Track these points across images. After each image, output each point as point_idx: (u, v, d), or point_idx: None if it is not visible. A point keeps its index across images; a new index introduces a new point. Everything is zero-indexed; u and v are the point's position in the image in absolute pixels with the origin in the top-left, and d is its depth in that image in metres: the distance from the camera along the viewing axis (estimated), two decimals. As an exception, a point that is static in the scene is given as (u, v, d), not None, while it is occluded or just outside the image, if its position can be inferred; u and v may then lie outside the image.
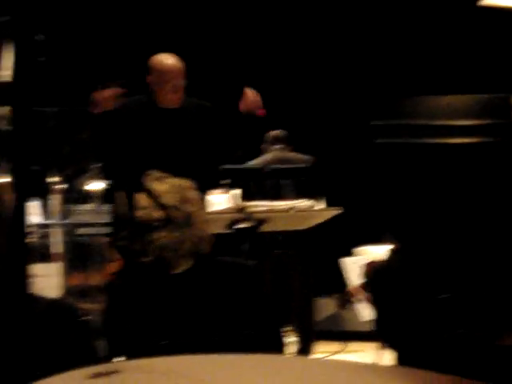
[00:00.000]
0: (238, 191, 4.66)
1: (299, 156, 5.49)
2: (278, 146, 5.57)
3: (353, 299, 4.74)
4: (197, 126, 4.11)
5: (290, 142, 5.71)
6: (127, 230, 2.62)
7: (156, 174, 2.72)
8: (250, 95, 3.94)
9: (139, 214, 2.56)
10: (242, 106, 3.96)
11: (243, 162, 4.95)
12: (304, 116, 7.68)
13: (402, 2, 7.50)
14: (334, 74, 8.07)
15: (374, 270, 3.31)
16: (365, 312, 4.85)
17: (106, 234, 2.88)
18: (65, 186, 2.83)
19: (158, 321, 2.51)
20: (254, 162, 5.37)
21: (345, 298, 4.80)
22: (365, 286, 4.05)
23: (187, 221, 2.61)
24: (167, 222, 2.59)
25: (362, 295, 4.44)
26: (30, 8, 1.59)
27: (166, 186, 2.66)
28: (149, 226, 2.57)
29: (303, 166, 4.53)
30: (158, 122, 4.09)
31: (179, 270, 2.56)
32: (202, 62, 4.36)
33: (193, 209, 2.63)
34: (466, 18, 7.18)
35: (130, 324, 2.44)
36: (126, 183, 2.37)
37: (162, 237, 2.57)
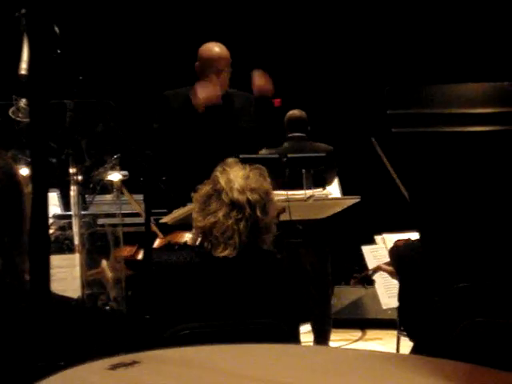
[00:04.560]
0: None
1: (319, 145, 5.47)
2: (296, 134, 5.54)
3: (374, 274, 4.69)
4: (240, 113, 4.20)
5: (308, 124, 5.63)
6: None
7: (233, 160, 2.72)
8: (258, 76, 4.04)
9: (223, 183, 2.59)
10: (255, 90, 4.06)
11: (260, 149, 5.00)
12: (320, 104, 7.68)
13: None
14: (350, 62, 8.05)
15: (398, 253, 3.31)
16: (382, 290, 4.81)
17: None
18: (83, 176, 2.85)
19: (186, 303, 2.53)
20: (273, 151, 5.37)
21: (365, 274, 4.76)
22: (390, 264, 4.02)
23: (252, 221, 2.61)
24: (234, 207, 2.59)
25: (387, 271, 4.40)
26: (46, 0, 1.59)
27: (259, 185, 2.64)
28: (221, 197, 2.59)
29: (322, 154, 4.54)
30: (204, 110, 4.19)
31: (218, 255, 2.57)
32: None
33: (262, 218, 2.62)
34: (485, 4, 7.13)
35: (161, 306, 2.47)
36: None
37: (221, 215, 2.57)
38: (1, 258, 1.75)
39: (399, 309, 2.79)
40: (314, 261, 5.56)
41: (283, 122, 5.71)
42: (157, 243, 3.43)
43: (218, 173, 2.65)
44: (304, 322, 5.86)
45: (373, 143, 3.76)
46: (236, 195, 2.59)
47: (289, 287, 2.76)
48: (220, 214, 2.58)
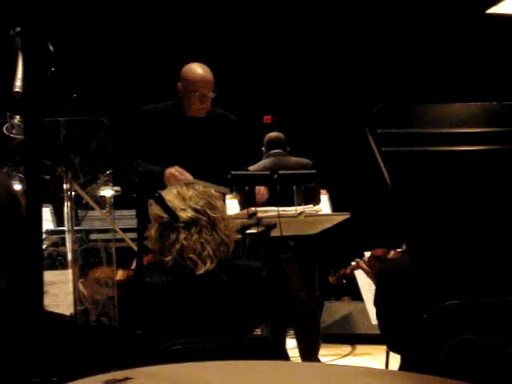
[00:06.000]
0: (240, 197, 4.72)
1: (299, 160, 5.52)
2: (275, 151, 5.61)
3: (353, 273, 4.72)
4: (219, 135, 4.20)
5: (287, 145, 5.74)
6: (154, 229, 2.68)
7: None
8: (261, 193, 4.08)
9: (164, 214, 2.61)
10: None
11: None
12: (310, 122, 7.73)
13: (411, 9, 7.53)
14: (340, 80, 8.09)
15: (381, 270, 3.33)
16: (364, 283, 4.84)
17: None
18: (77, 192, 2.86)
19: (176, 321, 2.55)
20: (254, 167, 5.41)
21: (344, 272, 4.79)
22: (369, 263, 4.06)
23: (211, 225, 2.66)
24: (190, 225, 2.64)
25: (365, 268, 4.43)
26: (41, 19, 1.62)
27: (193, 191, 2.71)
28: (171, 226, 2.63)
29: (309, 171, 4.57)
30: (183, 129, 4.19)
31: (201, 272, 2.60)
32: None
33: (217, 215, 2.69)
34: (475, 25, 7.20)
35: (148, 324, 2.48)
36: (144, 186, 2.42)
37: (183, 238, 2.62)
38: (7, 276, 1.76)
39: (380, 324, 2.80)
40: (301, 275, 5.60)
41: (262, 142, 5.83)
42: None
43: (154, 210, 2.66)
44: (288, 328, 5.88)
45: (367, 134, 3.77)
46: (183, 215, 2.65)
47: (268, 296, 2.80)
48: (182, 238, 2.63)
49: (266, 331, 4.50)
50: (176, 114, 4.23)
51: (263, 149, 5.83)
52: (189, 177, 3.98)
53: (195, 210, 2.66)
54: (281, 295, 5.36)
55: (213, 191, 2.77)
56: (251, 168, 5.50)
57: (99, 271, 2.85)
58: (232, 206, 4.68)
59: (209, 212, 2.68)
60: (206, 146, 4.24)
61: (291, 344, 5.92)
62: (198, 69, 4.20)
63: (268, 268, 3.93)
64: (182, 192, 2.71)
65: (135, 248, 3.34)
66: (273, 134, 5.83)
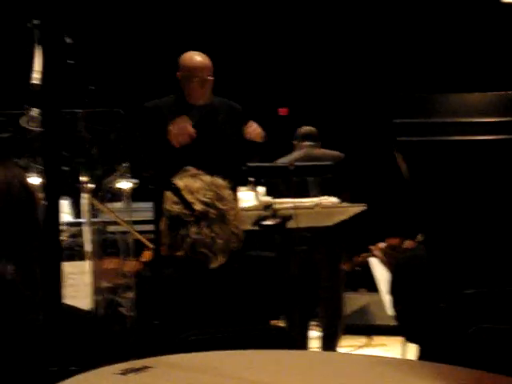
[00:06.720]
0: (263, 189, 4.70)
1: (329, 152, 5.51)
2: (307, 143, 5.60)
3: (367, 259, 4.75)
4: (225, 124, 4.20)
5: (319, 138, 5.74)
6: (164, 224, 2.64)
7: (191, 170, 2.72)
8: (252, 128, 4.10)
9: (173, 208, 2.59)
10: (246, 135, 4.11)
11: (274, 159, 5.04)
12: (328, 113, 7.71)
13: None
14: (358, 71, 8.07)
15: (397, 260, 3.33)
16: (378, 271, 4.84)
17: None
18: (94, 185, 2.88)
19: (190, 314, 2.54)
20: (284, 159, 5.39)
21: (361, 260, 4.81)
22: (384, 251, 4.09)
23: (221, 218, 2.62)
24: (200, 218, 2.60)
25: (380, 256, 4.45)
26: (60, 11, 1.62)
27: (200, 183, 2.65)
28: (181, 220, 2.59)
29: (329, 163, 4.56)
30: (189, 117, 4.19)
31: (215, 266, 2.57)
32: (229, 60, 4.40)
33: (226, 207, 2.63)
34: (491, 15, 7.16)
35: (162, 316, 2.47)
36: (160, 179, 2.40)
37: (193, 232, 2.58)
38: (21, 269, 1.76)
39: (396, 313, 2.81)
40: (329, 267, 5.57)
41: (294, 134, 5.81)
42: (147, 255, 3.41)
43: (165, 205, 2.61)
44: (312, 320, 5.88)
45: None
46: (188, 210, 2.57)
47: (282, 286, 2.78)
48: (192, 233, 2.58)
49: (284, 321, 4.49)
50: (179, 104, 4.25)
51: (295, 142, 5.82)
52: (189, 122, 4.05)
53: (204, 202, 2.59)
54: (304, 287, 5.35)
55: (220, 181, 2.71)
56: (282, 160, 5.50)
57: (108, 261, 2.86)
58: (248, 197, 4.68)
59: (217, 204, 2.61)
60: (212, 133, 4.24)
61: (312, 335, 5.91)
62: (195, 55, 4.27)
63: (283, 259, 3.94)
64: (189, 184, 2.64)
65: (150, 245, 3.36)
66: (308, 127, 5.86)
